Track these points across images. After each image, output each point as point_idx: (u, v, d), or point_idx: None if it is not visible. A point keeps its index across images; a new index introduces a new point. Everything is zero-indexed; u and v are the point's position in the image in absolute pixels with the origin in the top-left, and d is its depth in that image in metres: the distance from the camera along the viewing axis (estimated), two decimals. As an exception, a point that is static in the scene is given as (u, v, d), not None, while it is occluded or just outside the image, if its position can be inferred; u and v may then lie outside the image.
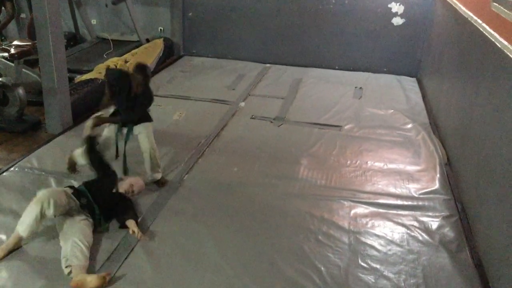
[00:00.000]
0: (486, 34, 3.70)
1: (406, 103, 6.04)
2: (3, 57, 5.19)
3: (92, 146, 3.52)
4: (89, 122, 3.64)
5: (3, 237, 3.13)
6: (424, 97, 6.28)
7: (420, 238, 3.36)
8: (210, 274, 2.90)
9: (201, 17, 7.80)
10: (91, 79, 5.68)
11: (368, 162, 4.44)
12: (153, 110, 3.94)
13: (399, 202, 3.80)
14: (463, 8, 4.73)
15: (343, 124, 5.28)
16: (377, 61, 7.34)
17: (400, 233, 3.41)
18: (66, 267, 2.80)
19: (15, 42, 5.17)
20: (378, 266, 3.05)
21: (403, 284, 2.91)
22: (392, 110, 5.73)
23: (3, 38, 7.71)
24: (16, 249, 2.99)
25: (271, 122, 5.31)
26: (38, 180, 3.85)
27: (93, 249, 3.03)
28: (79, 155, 3.74)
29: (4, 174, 3.95)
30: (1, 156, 4.33)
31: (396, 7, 7.01)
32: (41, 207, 2.93)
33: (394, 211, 3.67)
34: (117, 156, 3.82)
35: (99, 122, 3.68)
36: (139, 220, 3.31)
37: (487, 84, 3.56)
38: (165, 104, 5.61)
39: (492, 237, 3.03)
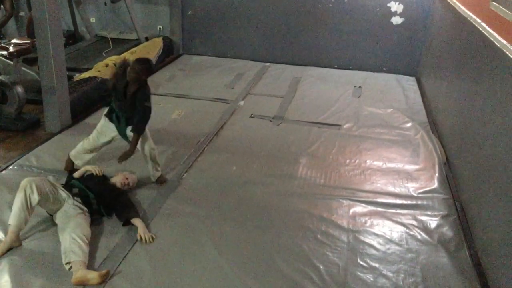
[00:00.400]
0: (485, 33, 3.70)
1: (405, 102, 6.04)
2: (2, 55, 5.18)
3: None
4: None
5: (2, 235, 3.12)
6: (423, 96, 6.29)
7: (419, 237, 3.36)
8: (209, 273, 2.90)
9: (200, 16, 7.79)
10: (90, 77, 5.67)
11: (367, 161, 4.44)
12: (152, 109, 3.93)
13: (398, 201, 3.80)
14: (462, 8, 4.73)
15: (342, 123, 5.29)
16: (376, 60, 7.34)
17: (399, 232, 3.42)
18: (66, 263, 2.81)
19: (14, 40, 5.16)
20: (377, 265, 3.06)
21: (401, 283, 2.92)
22: (391, 109, 5.73)
23: (2, 36, 7.71)
24: (15, 246, 2.99)
25: (270, 121, 5.32)
26: (37, 179, 3.84)
27: (93, 246, 3.03)
28: (76, 156, 3.82)
29: (3, 172, 3.95)
30: (0, 154, 4.33)
31: (396, 6, 7.01)
32: (24, 193, 2.96)
33: (393, 210, 3.67)
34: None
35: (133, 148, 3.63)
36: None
37: (486, 83, 3.57)
38: (164, 103, 5.60)
39: (491, 236, 3.04)
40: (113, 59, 6.38)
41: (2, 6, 7.46)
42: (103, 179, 3.51)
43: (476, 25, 4.03)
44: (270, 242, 3.23)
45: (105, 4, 7.98)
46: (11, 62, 5.01)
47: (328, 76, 7.04)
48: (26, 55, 5.04)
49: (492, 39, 3.49)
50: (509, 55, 3.07)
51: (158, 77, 6.62)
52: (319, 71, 7.28)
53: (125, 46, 7.37)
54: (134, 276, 2.84)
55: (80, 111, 5.19)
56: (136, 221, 3.23)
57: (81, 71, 6.13)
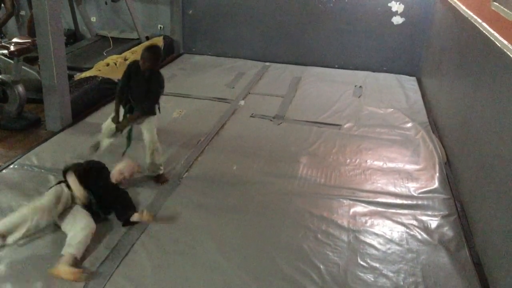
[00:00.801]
0: (486, 34, 3.70)
1: (406, 102, 6.04)
2: (3, 54, 5.19)
3: None
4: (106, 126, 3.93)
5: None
6: (423, 96, 6.29)
7: (419, 237, 3.36)
8: (209, 272, 2.90)
9: (201, 15, 7.80)
10: (90, 76, 5.67)
11: (368, 161, 4.44)
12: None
13: (398, 201, 3.80)
14: (463, 7, 4.73)
15: (343, 123, 5.29)
16: (377, 60, 7.34)
17: (399, 232, 3.42)
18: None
19: (15, 39, 5.15)
20: (377, 265, 3.06)
21: (402, 283, 2.92)
22: (392, 109, 5.73)
23: (2, 35, 7.71)
24: None
25: (271, 120, 5.32)
26: (37, 178, 3.84)
27: (93, 246, 3.04)
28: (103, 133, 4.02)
29: (4, 171, 3.94)
30: (1, 153, 4.33)
31: (396, 6, 7.01)
32: (23, 221, 2.97)
33: (394, 210, 3.67)
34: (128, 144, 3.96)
35: (131, 120, 3.80)
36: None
37: (486, 83, 3.57)
38: (165, 102, 5.59)
39: (492, 236, 3.04)
40: (113, 58, 6.38)
41: (2, 5, 7.47)
42: (105, 180, 3.47)
43: (477, 25, 4.03)
44: (270, 241, 3.23)
45: (106, 3, 7.98)
46: (12, 61, 5.01)
47: (329, 75, 7.04)
48: (26, 54, 5.04)
49: (493, 39, 3.48)
50: (510, 55, 3.07)
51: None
52: (319, 70, 7.28)
53: (125, 45, 7.37)
54: (134, 276, 2.84)
55: (81, 110, 5.19)
56: (134, 218, 3.25)
57: (81, 70, 6.13)
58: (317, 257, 3.09)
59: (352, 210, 3.65)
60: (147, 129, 3.84)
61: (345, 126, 5.22)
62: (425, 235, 3.37)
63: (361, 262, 3.07)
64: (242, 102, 5.83)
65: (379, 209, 3.68)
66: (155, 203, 3.59)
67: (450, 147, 4.56)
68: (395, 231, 3.42)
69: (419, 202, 3.80)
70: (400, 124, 5.31)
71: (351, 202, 3.75)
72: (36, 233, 3.12)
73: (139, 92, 3.76)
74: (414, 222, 3.52)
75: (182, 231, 3.29)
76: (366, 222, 3.51)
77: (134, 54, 6.65)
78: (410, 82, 6.90)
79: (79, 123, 4.98)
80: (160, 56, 3.79)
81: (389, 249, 3.23)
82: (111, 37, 7.59)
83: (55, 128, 4.77)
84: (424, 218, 3.58)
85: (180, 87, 6.27)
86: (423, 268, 3.05)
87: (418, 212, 3.66)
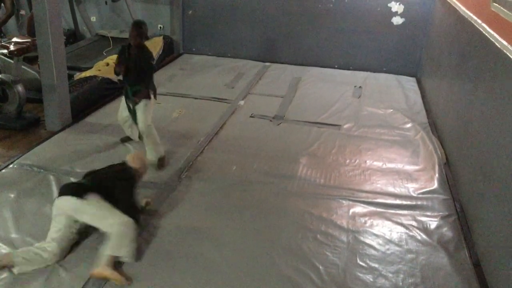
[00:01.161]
0: (486, 34, 3.70)
1: (405, 103, 6.04)
2: (3, 53, 5.18)
3: None
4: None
5: (2, 233, 3.13)
6: (423, 96, 6.29)
7: (419, 237, 3.36)
8: (208, 272, 2.90)
9: (201, 15, 7.79)
10: (90, 76, 5.67)
11: (367, 161, 4.44)
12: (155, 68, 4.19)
13: (397, 201, 3.80)
14: (463, 8, 4.73)
15: (342, 123, 5.29)
16: (377, 61, 7.34)
17: (399, 232, 3.42)
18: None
19: (15, 39, 5.16)
20: (376, 266, 3.06)
21: (401, 283, 2.92)
22: (391, 110, 5.73)
23: (2, 34, 7.71)
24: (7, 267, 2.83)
25: (270, 120, 5.32)
26: (37, 178, 3.84)
27: (93, 246, 3.03)
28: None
29: (3, 171, 3.94)
30: (0, 153, 4.32)
31: (396, 7, 7.01)
32: (37, 263, 2.84)
33: (393, 211, 3.68)
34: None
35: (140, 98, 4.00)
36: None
37: (486, 84, 3.57)
38: (164, 102, 5.60)
39: (491, 236, 3.04)
40: (113, 58, 6.36)
41: (2, 4, 7.47)
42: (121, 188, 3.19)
43: (477, 26, 4.03)
44: (269, 242, 3.23)
45: (106, 3, 7.98)
46: (12, 61, 5.01)
47: (328, 76, 7.04)
48: (26, 54, 5.04)
49: (493, 40, 3.49)
50: (510, 56, 3.07)
51: (159, 76, 6.61)
52: (319, 71, 7.28)
53: (125, 45, 7.36)
54: (134, 275, 2.84)
55: (81, 109, 5.19)
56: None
57: (81, 70, 6.13)
58: (316, 258, 3.09)
59: (351, 211, 3.65)
60: (141, 110, 3.99)
61: (345, 126, 5.22)
62: (424, 236, 3.38)
63: (361, 263, 3.07)
64: (242, 102, 5.83)
65: (379, 209, 3.68)
66: (154, 203, 3.59)
67: (449, 147, 4.56)
68: (394, 232, 3.42)
69: (419, 202, 3.80)
70: (400, 125, 5.31)
71: (351, 202, 3.76)
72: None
73: (132, 71, 3.94)
74: (414, 223, 3.53)
75: (180, 231, 3.28)
76: (365, 222, 3.51)
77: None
78: (409, 83, 6.90)
79: (79, 123, 4.97)
80: (145, 30, 3.95)
81: (388, 249, 3.23)
82: (111, 37, 7.59)
83: (55, 128, 4.77)
84: (424, 218, 3.59)
85: (180, 87, 6.27)
86: (422, 268, 3.05)
87: (418, 212, 3.66)
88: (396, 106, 5.86)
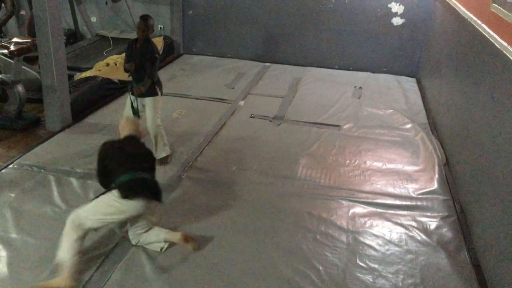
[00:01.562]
0: (486, 35, 3.70)
1: (405, 103, 6.04)
2: (3, 54, 5.18)
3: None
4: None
5: (2, 233, 3.13)
6: (423, 97, 6.29)
7: (418, 238, 3.36)
8: (208, 273, 2.91)
9: (201, 16, 7.80)
10: (90, 76, 5.68)
11: (367, 162, 4.44)
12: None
13: (397, 202, 3.81)
14: (463, 9, 4.73)
15: (342, 124, 5.29)
16: (377, 61, 7.34)
17: (399, 233, 3.42)
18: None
19: (15, 39, 5.15)
20: (376, 266, 3.06)
21: (401, 284, 2.92)
22: (391, 110, 5.74)
23: (2, 35, 7.71)
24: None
25: (270, 121, 5.32)
26: (36, 178, 3.85)
27: (93, 246, 3.04)
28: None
29: (3, 171, 3.95)
30: (0, 153, 4.33)
31: (396, 7, 7.01)
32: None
33: (393, 211, 3.68)
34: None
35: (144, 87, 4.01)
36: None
37: (486, 84, 3.57)
38: (164, 102, 5.59)
39: (490, 237, 3.04)
40: (113, 58, 6.39)
41: (2, 4, 7.47)
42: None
43: (477, 26, 4.03)
44: (269, 242, 3.23)
45: (106, 3, 7.99)
46: (12, 61, 5.01)
47: (328, 76, 7.05)
48: (26, 54, 5.04)
49: (493, 41, 3.49)
50: (510, 56, 3.07)
51: (159, 76, 6.60)
52: (319, 71, 7.28)
53: (125, 45, 7.33)
54: (135, 276, 2.84)
55: (81, 110, 5.19)
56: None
57: (81, 70, 6.14)
58: (316, 258, 3.09)
59: (351, 211, 3.65)
60: (149, 106, 4.06)
61: (345, 127, 5.23)
62: (424, 236, 3.38)
63: (360, 263, 3.08)
64: (241, 103, 5.83)
65: (378, 210, 3.69)
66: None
67: (449, 148, 4.56)
68: (394, 232, 3.42)
69: (418, 203, 3.80)
70: (400, 125, 5.31)
71: (350, 203, 3.76)
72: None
73: (136, 63, 3.97)
74: (413, 223, 3.53)
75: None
76: (365, 223, 3.51)
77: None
78: (409, 83, 6.90)
79: (79, 123, 4.98)
80: (152, 23, 4.00)
81: (388, 250, 3.23)
82: (111, 37, 7.60)
83: (55, 128, 4.77)
84: (423, 219, 3.59)
85: (180, 87, 6.27)
86: (422, 269, 3.05)
87: (417, 213, 3.66)
88: (396, 107, 5.86)
